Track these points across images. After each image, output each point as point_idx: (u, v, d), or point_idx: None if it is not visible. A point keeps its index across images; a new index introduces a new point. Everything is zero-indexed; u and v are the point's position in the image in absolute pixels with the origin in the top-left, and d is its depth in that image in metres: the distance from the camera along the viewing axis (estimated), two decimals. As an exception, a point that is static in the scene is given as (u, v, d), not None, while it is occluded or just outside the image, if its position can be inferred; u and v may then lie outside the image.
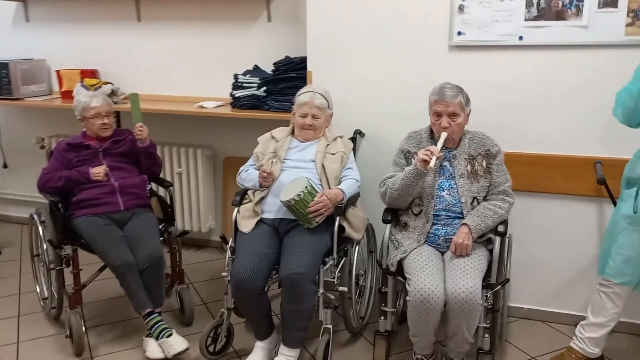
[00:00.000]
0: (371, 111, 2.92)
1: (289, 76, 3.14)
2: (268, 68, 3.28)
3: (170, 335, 2.50)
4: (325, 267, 2.39)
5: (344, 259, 2.53)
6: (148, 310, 2.55)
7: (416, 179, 2.30)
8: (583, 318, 2.47)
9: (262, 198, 2.55)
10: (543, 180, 2.68)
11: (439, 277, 2.21)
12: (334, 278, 2.42)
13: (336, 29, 2.91)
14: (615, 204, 2.44)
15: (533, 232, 2.76)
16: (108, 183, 2.77)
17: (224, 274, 2.51)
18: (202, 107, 3.37)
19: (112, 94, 3.55)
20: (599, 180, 2.48)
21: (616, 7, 2.42)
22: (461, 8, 2.65)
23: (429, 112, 2.42)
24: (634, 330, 2.71)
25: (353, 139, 2.84)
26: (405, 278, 2.30)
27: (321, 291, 2.37)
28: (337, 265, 2.48)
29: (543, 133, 2.66)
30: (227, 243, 2.58)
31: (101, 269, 2.79)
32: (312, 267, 2.33)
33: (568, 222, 2.72)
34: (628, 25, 2.41)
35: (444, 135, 2.31)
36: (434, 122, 2.37)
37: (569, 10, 2.49)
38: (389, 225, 2.47)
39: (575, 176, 2.63)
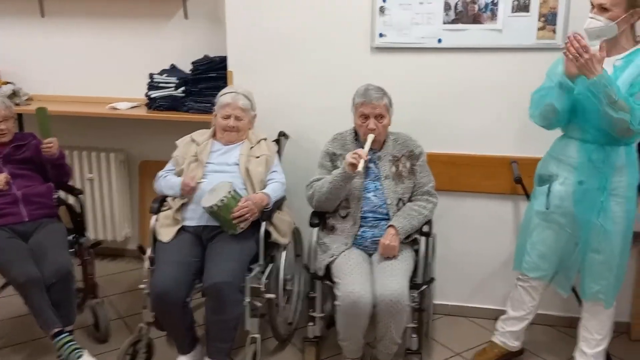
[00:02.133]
0: (295, 113, 2.87)
1: (208, 76, 3.03)
2: (186, 67, 3.14)
3: (80, 356, 2.31)
4: (251, 275, 2.31)
5: (270, 265, 2.46)
6: (56, 329, 2.35)
7: (344, 183, 2.28)
8: (503, 312, 2.56)
9: (183, 205, 2.43)
10: (463, 179, 2.76)
11: (367, 280, 2.20)
12: (260, 285, 2.35)
13: (257, 28, 2.83)
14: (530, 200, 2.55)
15: (454, 230, 2.83)
16: (9, 192, 2.53)
17: (142, 286, 2.36)
18: (115, 108, 3.17)
19: (14, 95, 3.26)
20: (516, 179, 2.57)
21: (528, 12, 2.52)
22: (382, 10, 2.66)
23: (353, 114, 2.41)
24: (548, 321, 2.84)
25: (277, 141, 2.78)
26: (333, 282, 2.27)
27: (248, 300, 2.28)
28: (263, 272, 2.40)
29: (462, 133, 2.73)
30: (144, 253, 2.43)
31: (4, 286, 2.54)
32: (237, 275, 2.24)
33: (486, 219, 2.81)
34: (539, 29, 2.52)
35: (370, 137, 2.30)
36: (360, 124, 2.35)
37: (484, 14, 2.57)
38: (316, 229, 2.43)
39: (492, 175, 2.72)
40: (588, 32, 2.05)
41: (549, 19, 2.51)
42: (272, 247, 2.48)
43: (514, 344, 2.50)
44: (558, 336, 2.78)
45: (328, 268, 2.33)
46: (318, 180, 2.40)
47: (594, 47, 1.96)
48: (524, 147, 2.64)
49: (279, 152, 2.72)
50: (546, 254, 2.30)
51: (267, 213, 2.39)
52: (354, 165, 2.20)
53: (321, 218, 2.46)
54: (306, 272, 2.47)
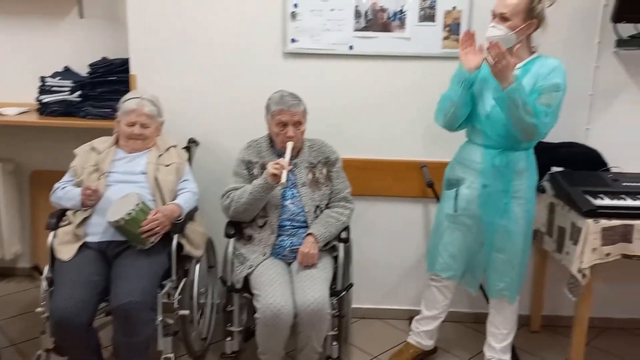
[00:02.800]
0: (205, 118, 2.77)
1: (108, 80, 2.83)
2: (82, 70, 2.92)
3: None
4: (163, 291, 2.18)
5: (184, 279, 2.33)
6: None
7: (265, 193, 2.22)
8: (416, 312, 2.63)
9: (85, 219, 2.24)
10: (375, 184, 2.80)
11: (287, 291, 2.16)
12: (173, 301, 2.22)
13: (163, 30, 2.69)
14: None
15: (368, 234, 2.87)
16: None
17: (39, 309, 2.15)
18: (1, 114, 2.87)
19: None
20: (428, 183, 2.66)
21: (434, 21, 2.61)
22: (294, 15, 2.63)
23: (267, 121, 2.36)
24: (457, 318, 2.95)
25: (187, 149, 2.65)
26: (252, 294, 2.20)
27: (160, 318, 2.15)
28: (176, 288, 2.27)
29: (374, 138, 2.77)
30: (41, 273, 2.21)
31: None
32: (148, 293, 2.10)
33: (399, 223, 2.88)
34: (444, 38, 2.63)
35: (290, 145, 2.26)
36: (277, 132, 2.30)
37: (393, 22, 2.62)
38: (232, 240, 2.34)
39: (403, 179, 2.79)
40: (489, 40, 2.15)
41: (453, 29, 2.62)
42: (184, 261, 2.36)
43: (428, 343, 2.58)
44: (467, 332, 2.90)
45: (246, 279, 2.25)
46: (235, 189, 2.32)
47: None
48: (433, 151, 2.73)
49: (189, 159, 2.60)
50: (456, 254, 2.39)
51: (179, 225, 2.27)
52: (276, 176, 2.15)
53: (237, 228, 2.38)
54: (222, 284, 2.38)
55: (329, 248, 2.35)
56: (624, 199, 2.28)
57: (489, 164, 2.25)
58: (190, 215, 2.40)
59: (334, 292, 2.26)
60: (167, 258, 2.25)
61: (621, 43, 2.58)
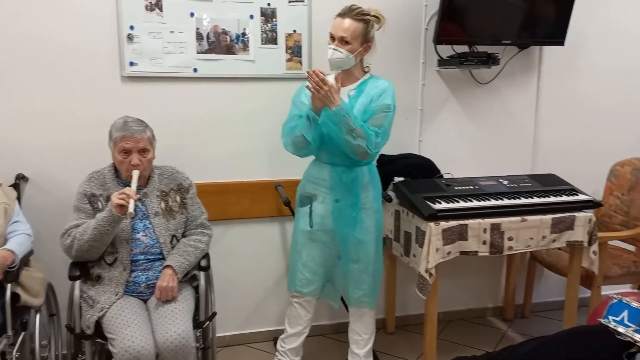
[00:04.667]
0: (36, 151, 2.49)
1: None
2: None
3: None
4: (-2, 351, 1.90)
5: (22, 333, 2.05)
6: None
7: (112, 227, 2.05)
8: (280, 332, 2.63)
9: None
10: (232, 207, 2.76)
11: (146, 330, 2.01)
12: (11, 360, 1.95)
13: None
14: (298, 221, 2.69)
15: (226, 259, 2.81)
16: None
17: None
18: None
19: None
20: (285, 202, 2.68)
21: (276, 44, 2.67)
22: (130, 38, 2.50)
23: (110, 149, 2.20)
24: (320, 331, 3.02)
25: (15, 186, 2.36)
26: (106, 339, 2.01)
27: (-4, 383, 1.87)
28: (14, 344, 1.99)
29: (227, 162, 2.74)
30: None
31: None
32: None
33: (257, 244, 2.86)
34: (288, 60, 2.70)
35: (136, 173, 2.12)
36: (121, 160, 2.15)
37: (237, 45, 2.63)
38: (78, 282, 2.12)
39: (259, 200, 2.79)
40: (331, 62, 2.26)
41: (295, 51, 2.70)
42: (22, 312, 2.08)
43: (295, 360, 2.59)
44: (330, 344, 2.98)
45: (98, 324, 2.05)
46: (77, 226, 2.11)
47: (331, 77, 2.15)
48: (286, 170, 2.77)
49: (18, 198, 2.32)
50: (316, 270, 2.44)
51: (12, 273, 2.01)
52: (122, 207, 1.99)
53: (83, 268, 2.16)
54: (69, 333, 2.14)
55: (189, 278, 2.25)
56: (458, 202, 2.53)
57: (337, 180, 2.34)
58: (25, 261, 2.14)
59: (197, 324, 2.17)
60: (1, 311, 1.97)
61: (442, 62, 2.89)
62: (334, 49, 2.24)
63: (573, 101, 3.17)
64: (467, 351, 2.16)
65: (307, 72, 2.12)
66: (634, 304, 1.73)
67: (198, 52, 2.59)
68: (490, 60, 2.83)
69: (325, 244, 2.41)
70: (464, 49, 2.87)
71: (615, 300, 1.79)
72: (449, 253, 2.46)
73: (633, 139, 3.28)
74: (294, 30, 2.68)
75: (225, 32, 2.60)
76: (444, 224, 2.42)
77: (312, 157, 2.45)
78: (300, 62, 2.71)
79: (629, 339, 1.71)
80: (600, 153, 3.19)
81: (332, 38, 2.26)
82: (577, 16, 2.91)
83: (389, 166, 2.76)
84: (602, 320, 1.78)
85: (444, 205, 2.49)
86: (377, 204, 2.45)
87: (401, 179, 2.77)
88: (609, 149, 3.18)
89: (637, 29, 3.17)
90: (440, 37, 2.74)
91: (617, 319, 1.74)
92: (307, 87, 2.13)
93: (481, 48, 2.87)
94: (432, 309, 2.54)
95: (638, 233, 2.80)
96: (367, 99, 2.28)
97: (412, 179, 2.76)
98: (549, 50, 3.06)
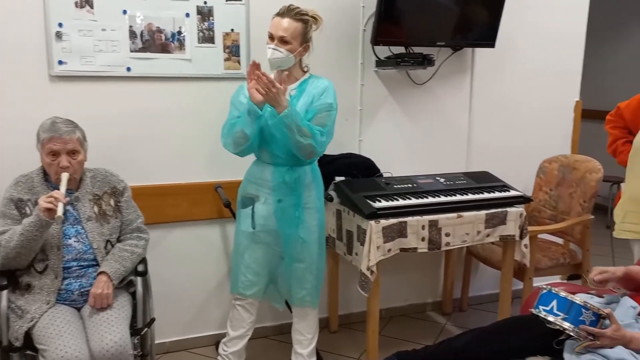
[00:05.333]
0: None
1: None
2: None
3: None
4: None
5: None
6: None
7: (40, 232, 1.95)
8: (222, 335, 2.59)
9: None
10: (170, 210, 2.70)
11: (80, 339, 1.93)
12: None
13: None
14: (238, 223, 2.66)
15: (166, 262, 2.74)
16: None
17: None
18: None
19: None
20: (225, 203, 2.64)
21: (213, 43, 2.63)
22: (59, 35, 2.39)
23: (39, 151, 2.09)
24: (263, 333, 3.00)
25: None
26: (37, 350, 1.92)
27: None
28: None
29: (164, 163, 2.67)
30: None
31: None
32: None
33: (197, 246, 2.81)
34: (226, 60, 2.66)
35: (65, 176, 2.03)
36: (49, 162, 2.05)
37: (172, 43, 2.57)
38: (5, 292, 2.01)
39: (199, 201, 2.74)
40: (271, 62, 2.25)
41: (233, 51, 2.67)
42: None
43: (238, 364, 2.56)
44: (273, 345, 2.96)
45: (28, 335, 1.95)
46: (3, 233, 1.99)
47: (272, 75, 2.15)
48: (226, 171, 2.73)
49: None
50: (259, 271, 2.42)
51: None
52: (50, 211, 1.90)
53: (11, 277, 2.05)
54: (-4, 346, 2.02)
55: (125, 284, 2.18)
56: (397, 200, 2.57)
57: (280, 181, 2.34)
58: (-55, 271, 2.00)
59: (135, 331, 2.10)
60: None
61: (379, 63, 2.94)
62: (274, 49, 2.23)
63: (503, 101, 3.30)
64: (408, 346, 2.21)
65: (257, 73, 2.09)
66: (562, 294, 1.81)
67: (131, 51, 2.51)
68: (425, 61, 2.90)
69: (268, 244, 2.40)
70: (400, 50, 2.93)
71: (545, 291, 1.87)
72: (389, 250, 2.50)
73: (560, 136, 3.46)
74: (232, 30, 2.65)
75: (160, 31, 2.53)
76: (384, 222, 2.46)
77: (253, 158, 2.43)
78: (239, 62, 2.68)
79: (558, 326, 1.79)
80: (530, 150, 3.34)
81: (271, 38, 2.25)
82: (506, 20, 3.03)
83: (330, 166, 2.77)
84: (533, 310, 1.86)
85: (384, 203, 2.53)
86: (319, 203, 2.46)
87: (342, 178, 2.79)
88: (538, 147, 3.34)
89: (559, 33, 3.34)
90: (377, 38, 2.78)
91: (547, 308, 1.82)
92: (257, 89, 2.11)
93: (417, 49, 2.94)
94: (374, 306, 2.57)
95: (566, 226, 2.94)
96: (309, 99, 2.29)
97: (353, 179, 2.79)
98: (481, 53, 3.18)
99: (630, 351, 1.74)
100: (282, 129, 2.15)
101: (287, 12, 2.23)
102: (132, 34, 2.50)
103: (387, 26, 2.78)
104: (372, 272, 2.45)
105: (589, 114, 3.95)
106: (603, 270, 2.00)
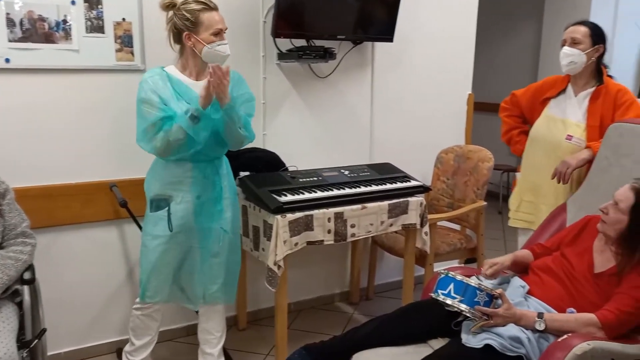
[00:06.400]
0: None
1: None
2: None
3: None
4: None
5: None
6: None
7: None
8: (123, 342, 2.46)
9: None
10: (60, 212, 2.51)
11: (-43, 358, 1.74)
12: None
13: None
14: (138, 224, 2.52)
15: (58, 268, 2.56)
16: None
17: None
18: None
19: None
20: (121, 203, 2.50)
21: (103, 32, 2.47)
22: None
23: None
24: (168, 336, 2.89)
25: None
26: None
27: None
28: None
29: (51, 162, 2.48)
30: None
31: None
32: None
33: (92, 249, 2.64)
34: (118, 51, 2.51)
35: None
36: None
37: (57, 33, 2.38)
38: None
39: (93, 202, 2.57)
40: (224, 58, 2.18)
41: (125, 41, 2.52)
42: None
43: (143, 371, 2.45)
44: (180, 348, 2.86)
45: None
46: None
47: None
48: (122, 169, 2.59)
49: None
50: (169, 276, 2.32)
51: None
52: None
53: None
54: None
55: (10, 294, 2.00)
56: (303, 193, 2.57)
57: (201, 176, 2.26)
58: None
59: (23, 344, 1.94)
60: None
61: (281, 56, 2.92)
62: (226, 43, 2.18)
63: (403, 95, 3.41)
64: (317, 338, 2.22)
65: (212, 66, 2.01)
66: (459, 277, 1.90)
67: (10, 41, 2.30)
68: (327, 54, 2.92)
69: (182, 246, 2.30)
70: (302, 43, 2.92)
71: (442, 275, 1.95)
72: (296, 244, 2.49)
73: (455, 128, 3.63)
74: (123, 19, 2.50)
75: (42, 19, 2.34)
76: (290, 216, 2.45)
77: (152, 156, 2.30)
78: (132, 53, 2.54)
79: (455, 309, 1.88)
80: (428, 142, 3.48)
81: (221, 32, 2.17)
82: (404, 16, 3.12)
83: (235, 161, 2.71)
84: (432, 295, 1.94)
85: (289, 197, 2.52)
86: (233, 194, 2.41)
87: (247, 173, 2.75)
88: (435, 138, 3.49)
89: (452, 31, 3.49)
90: (278, 30, 2.76)
91: (445, 292, 1.90)
92: (210, 80, 2.01)
93: (319, 43, 2.95)
94: (282, 301, 2.56)
95: (461, 213, 3.10)
96: (237, 90, 2.25)
97: (258, 173, 2.76)
98: (381, 47, 3.25)
99: (520, 327, 1.86)
100: (227, 121, 2.12)
101: (215, 5, 2.17)
102: (10, 22, 2.29)
103: (287, 18, 2.76)
104: (279, 267, 2.44)
105: (480, 107, 4.19)
106: (493, 262, 2.12)
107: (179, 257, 2.33)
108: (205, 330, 2.48)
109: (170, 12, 2.15)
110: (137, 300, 2.37)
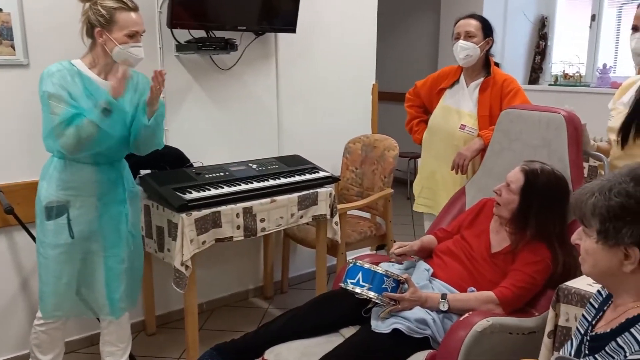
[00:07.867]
0: None
1: None
2: None
3: None
4: None
5: None
6: None
7: None
8: (21, 358, 2.28)
9: None
10: None
11: None
12: None
13: None
14: (27, 230, 2.33)
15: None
16: None
17: None
18: None
19: None
20: (7, 209, 2.28)
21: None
22: None
23: None
24: (70, 347, 2.69)
25: None
26: None
27: None
28: None
29: None
30: None
31: None
32: None
33: (-22, 263, 2.42)
34: (-5, 44, 2.30)
35: None
36: None
37: None
38: None
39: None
40: (136, 61, 2.10)
41: (4, 34, 2.31)
42: None
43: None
44: (84, 359, 2.70)
45: None
46: None
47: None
48: (4, 173, 2.37)
49: None
50: (72, 287, 2.17)
51: None
52: None
53: None
54: None
55: None
56: (209, 190, 2.49)
57: (104, 179, 2.15)
58: None
59: None
60: None
61: (180, 48, 2.80)
62: (141, 46, 2.11)
63: (308, 86, 3.40)
64: (231, 336, 2.16)
65: (155, 71, 2.03)
66: (366, 266, 1.93)
67: None
68: (228, 46, 2.84)
69: (86, 252, 2.16)
70: (202, 34, 2.82)
71: (351, 265, 1.97)
72: (204, 242, 2.42)
73: (361, 118, 3.68)
74: (1, 9, 2.29)
75: None
76: (196, 214, 2.37)
77: (43, 160, 2.12)
78: (13, 47, 2.33)
79: (365, 296, 1.90)
80: (336, 132, 3.50)
81: (137, 34, 2.09)
82: (306, 6, 3.11)
83: (134, 158, 2.56)
84: (341, 284, 1.95)
85: (195, 194, 2.44)
86: (134, 197, 2.30)
87: (148, 171, 2.63)
88: (343, 128, 3.52)
89: (352, 22, 3.52)
90: (174, 21, 2.64)
91: (354, 280, 1.92)
92: (152, 86, 2.03)
93: (219, 34, 2.86)
94: (192, 301, 2.48)
95: (370, 201, 3.15)
96: (134, 94, 2.15)
97: (161, 171, 2.64)
98: (284, 38, 3.22)
99: (426, 310, 1.91)
100: (154, 127, 2.11)
101: (134, 5, 2.08)
102: None
103: (183, 8, 2.66)
104: (186, 267, 2.35)
105: (385, 96, 4.29)
106: (402, 244, 2.19)
107: (78, 266, 2.18)
108: (109, 343, 2.35)
109: (87, 5, 2.03)
110: (39, 315, 2.20)
